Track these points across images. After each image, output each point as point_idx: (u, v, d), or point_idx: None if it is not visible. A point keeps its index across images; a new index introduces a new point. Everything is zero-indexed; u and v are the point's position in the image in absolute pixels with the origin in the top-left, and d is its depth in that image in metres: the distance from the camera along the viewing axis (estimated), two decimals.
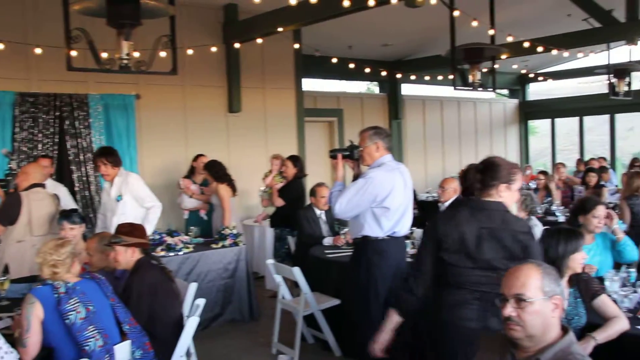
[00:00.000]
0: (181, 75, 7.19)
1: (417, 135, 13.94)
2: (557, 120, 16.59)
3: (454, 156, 14.40)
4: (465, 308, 2.98)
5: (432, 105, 14.36)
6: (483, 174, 3.05)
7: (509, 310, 2.16)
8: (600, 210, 4.44)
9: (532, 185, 10.36)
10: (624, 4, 8.48)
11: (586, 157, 13.72)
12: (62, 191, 6.43)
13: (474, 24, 7.10)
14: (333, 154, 4.41)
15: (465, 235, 2.97)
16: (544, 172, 10.17)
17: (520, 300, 2.15)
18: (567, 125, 16.99)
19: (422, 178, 13.13)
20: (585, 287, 3.29)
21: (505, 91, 16.55)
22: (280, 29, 7.69)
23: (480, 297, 2.96)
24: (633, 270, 3.98)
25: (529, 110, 16.57)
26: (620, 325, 3.14)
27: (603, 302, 3.25)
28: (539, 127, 19.32)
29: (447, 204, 6.24)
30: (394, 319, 3.20)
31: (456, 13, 6.65)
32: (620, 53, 10.93)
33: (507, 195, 3.04)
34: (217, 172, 6.97)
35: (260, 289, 7.31)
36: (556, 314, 2.18)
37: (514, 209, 4.89)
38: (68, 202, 6.35)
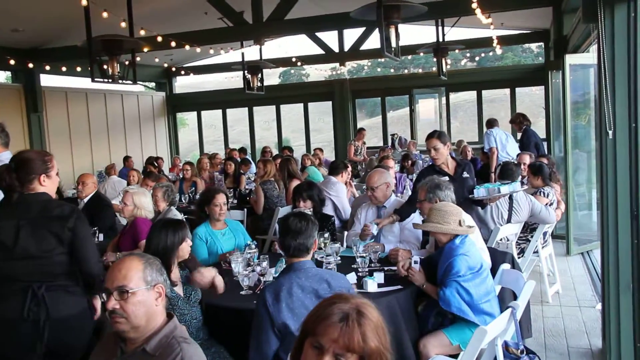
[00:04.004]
0: None
1: (61, 129, 13.20)
2: (204, 113, 17.43)
3: (104, 150, 14.05)
4: (5, 301, 3.03)
5: (76, 97, 13.73)
6: (18, 172, 3.08)
7: (112, 303, 2.17)
8: (221, 199, 4.83)
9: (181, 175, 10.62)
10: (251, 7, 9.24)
11: (235, 147, 14.57)
12: None
13: (105, 15, 6.98)
14: None
15: (3, 229, 3.02)
16: (189, 163, 10.54)
17: (122, 292, 2.18)
18: (215, 117, 17.85)
19: (69, 173, 12.45)
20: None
21: (152, 84, 16.68)
22: None
23: (22, 288, 3.01)
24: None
25: (177, 104, 17.06)
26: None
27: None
28: (190, 119, 19.98)
29: (87, 199, 6.06)
30: None
31: (84, 2, 6.39)
32: (255, 51, 11.95)
33: (49, 183, 3.13)
34: None
35: None
36: (160, 302, 2.25)
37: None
38: None
